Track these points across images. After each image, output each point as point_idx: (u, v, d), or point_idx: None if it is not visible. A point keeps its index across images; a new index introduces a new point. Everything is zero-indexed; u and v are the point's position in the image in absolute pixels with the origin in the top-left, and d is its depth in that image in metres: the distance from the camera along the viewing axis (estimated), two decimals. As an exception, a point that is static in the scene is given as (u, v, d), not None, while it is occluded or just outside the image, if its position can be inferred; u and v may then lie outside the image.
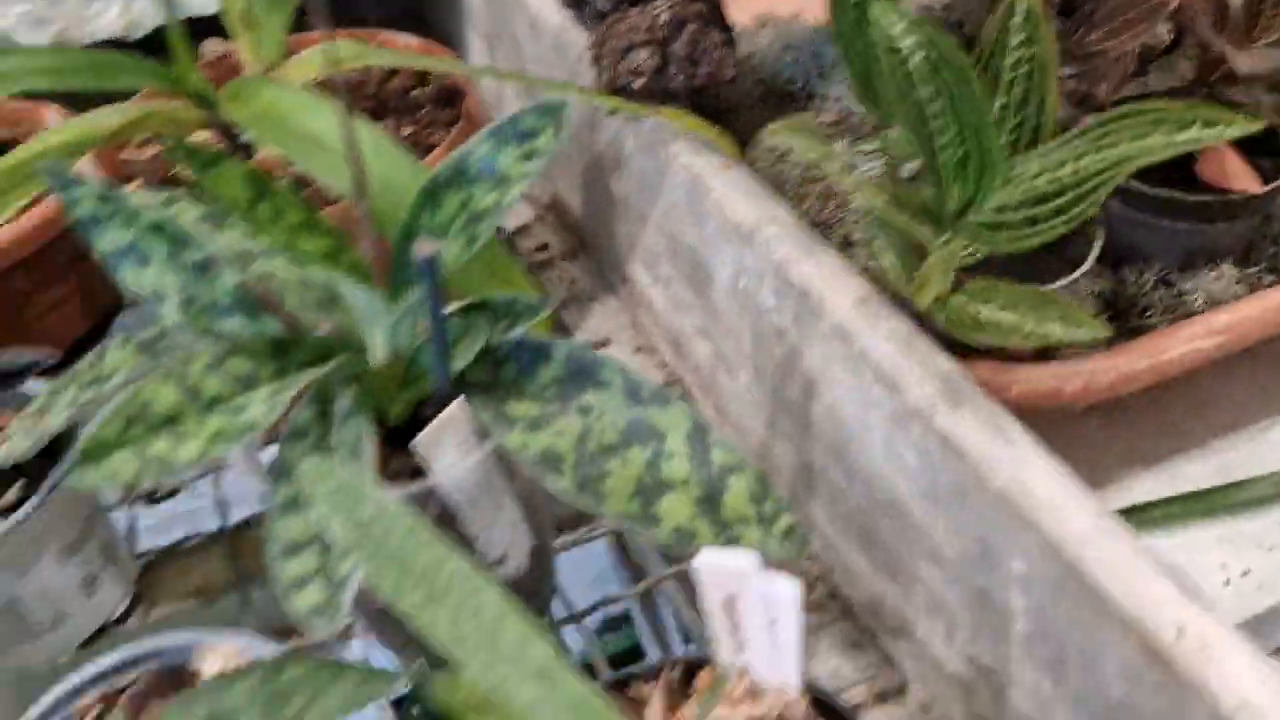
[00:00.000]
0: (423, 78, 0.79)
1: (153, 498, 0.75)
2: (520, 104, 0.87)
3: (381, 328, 0.50)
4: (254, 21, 0.69)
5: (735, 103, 0.74)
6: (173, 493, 0.76)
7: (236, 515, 0.73)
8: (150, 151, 0.74)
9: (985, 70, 0.51)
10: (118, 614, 0.67)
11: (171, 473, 0.43)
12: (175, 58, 0.64)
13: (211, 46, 0.80)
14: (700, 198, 0.65)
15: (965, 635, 0.54)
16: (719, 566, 0.41)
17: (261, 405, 0.45)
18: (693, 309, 0.72)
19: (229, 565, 0.71)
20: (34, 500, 0.59)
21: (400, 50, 0.77)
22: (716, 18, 0.65)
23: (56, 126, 0.67)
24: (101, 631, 0.66)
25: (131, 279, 0.52)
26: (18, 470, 0.62)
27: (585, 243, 0.89)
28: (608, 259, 0.84)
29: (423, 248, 0.42)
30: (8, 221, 0.71)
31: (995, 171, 0.48)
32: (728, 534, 0.51)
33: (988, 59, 0.51)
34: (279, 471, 0.48)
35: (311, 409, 0.51)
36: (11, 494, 0.60)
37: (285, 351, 0.47)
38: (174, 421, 0.43)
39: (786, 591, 0.41)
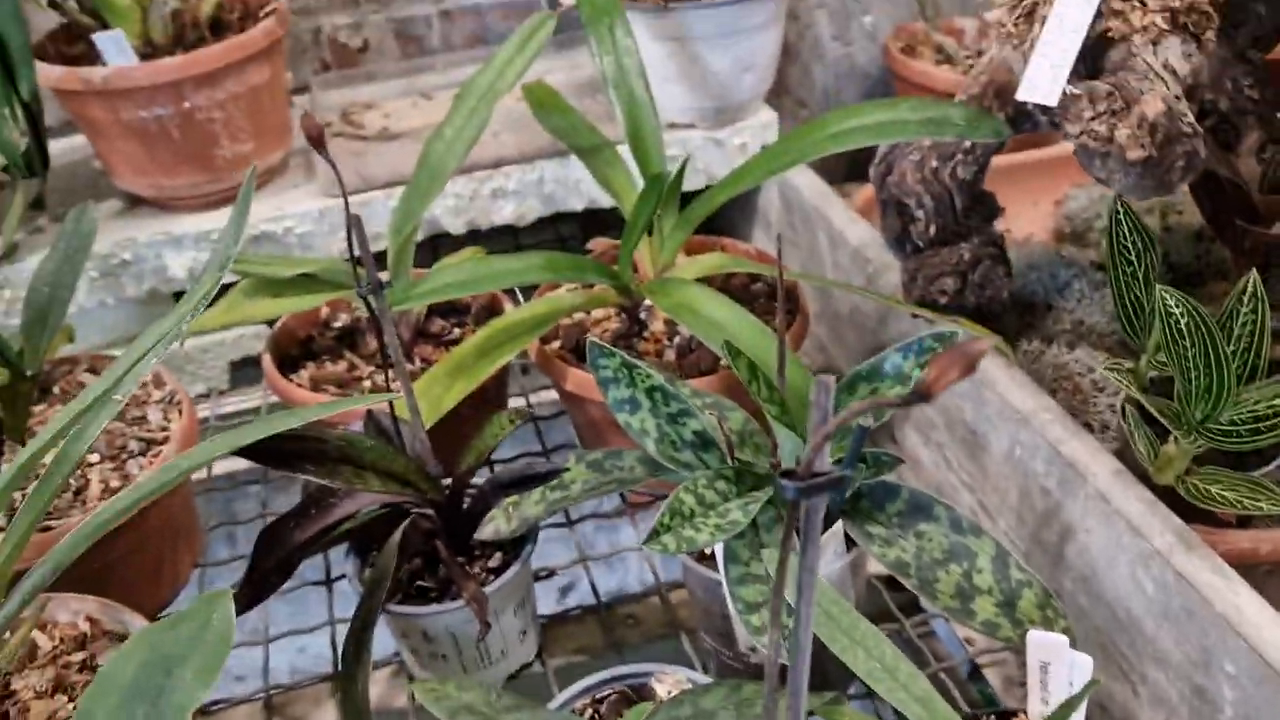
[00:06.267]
0: (754, 276, 1.05)
1: (538, 577, 1.00)
2: (814, 298, 1.13)
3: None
4: (660, 235, 0.96)
5: (997, 312, 0.99)
6: (552, 573, 1.01)
7: (605, 596, 0.98)
8: (572, 320, 1.02)
9: (1223, 327, 0.74)
10: (531, 660, 0.92)
11: (694, 548, 0.68)
12: (621, 263, 0.92)
13: (599, 243, 1.07)
14: (984, 387, 0.89)
15: (1183, 721, 0.75)
16: (1043, 639, 0.64)
17: (738, 512, 0.70)
18: (962, 469, 0.96)
19: (601, 633, 0.96)
20: (516, 567, 0.84)
21: (743, 258, 1.04)
22: (1003, 258, 0.90)
23: (524, 305, 0.95)
24: (523, 669, 0.91)
25: (625, 419, 0.79)
26: (494, 546, 0.88)
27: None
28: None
29: (863, 422, 0.66)
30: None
31: (1228, 396, 0.71)
32: (1021, 630, 0.74)
33: (1224, 319, 0.75)
34: (729, 558, 0.73)
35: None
36: (495, 560, 0.86)
37: (740, 478, 0.73)
38: (692, 517, 0.68)
39: (1087, 662, 0.64)
